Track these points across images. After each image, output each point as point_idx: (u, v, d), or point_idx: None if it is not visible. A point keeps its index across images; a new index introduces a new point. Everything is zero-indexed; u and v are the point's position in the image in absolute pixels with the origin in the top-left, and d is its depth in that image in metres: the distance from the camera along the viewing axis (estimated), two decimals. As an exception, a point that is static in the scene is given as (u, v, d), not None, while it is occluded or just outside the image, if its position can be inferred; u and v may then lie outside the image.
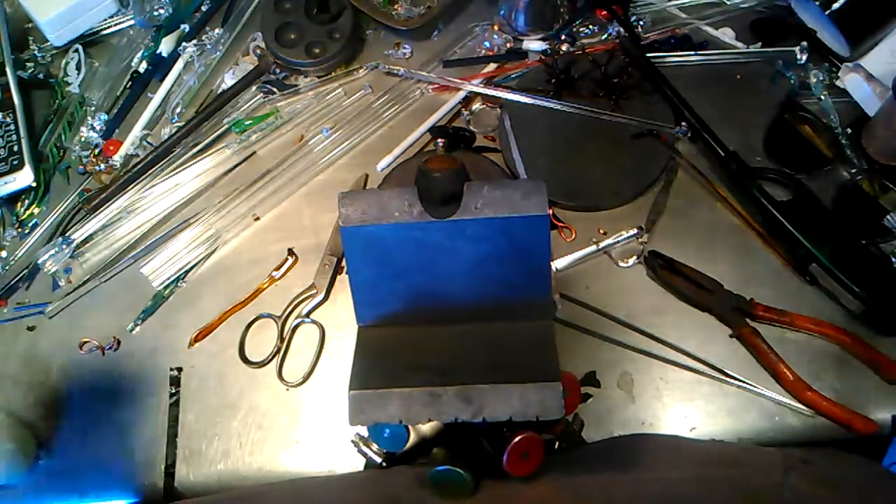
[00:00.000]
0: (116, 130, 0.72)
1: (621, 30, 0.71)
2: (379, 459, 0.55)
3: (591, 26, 0.73)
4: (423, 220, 0.44)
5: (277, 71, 0.73)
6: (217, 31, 0.75)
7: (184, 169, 0.69)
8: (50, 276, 0.65)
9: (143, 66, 0.75)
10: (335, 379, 0.59)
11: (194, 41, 0.74)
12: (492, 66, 0.71)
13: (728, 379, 0.56)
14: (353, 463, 0.56)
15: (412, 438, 0.54)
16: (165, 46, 0.75)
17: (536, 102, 0.67)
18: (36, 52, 0.77)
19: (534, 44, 0.72)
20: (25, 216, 0.69)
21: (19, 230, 0.69)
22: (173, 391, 0.60)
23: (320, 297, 0.62)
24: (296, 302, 0.62)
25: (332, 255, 0.64)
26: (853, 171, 0.64)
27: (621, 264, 0.62)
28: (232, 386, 0.60)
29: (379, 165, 0.67)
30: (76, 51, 0.76)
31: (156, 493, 0.56)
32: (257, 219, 0.67)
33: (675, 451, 0.51)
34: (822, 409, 0.54)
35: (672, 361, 0.58)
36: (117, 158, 0.70)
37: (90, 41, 0.77)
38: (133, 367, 0.61)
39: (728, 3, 0.73)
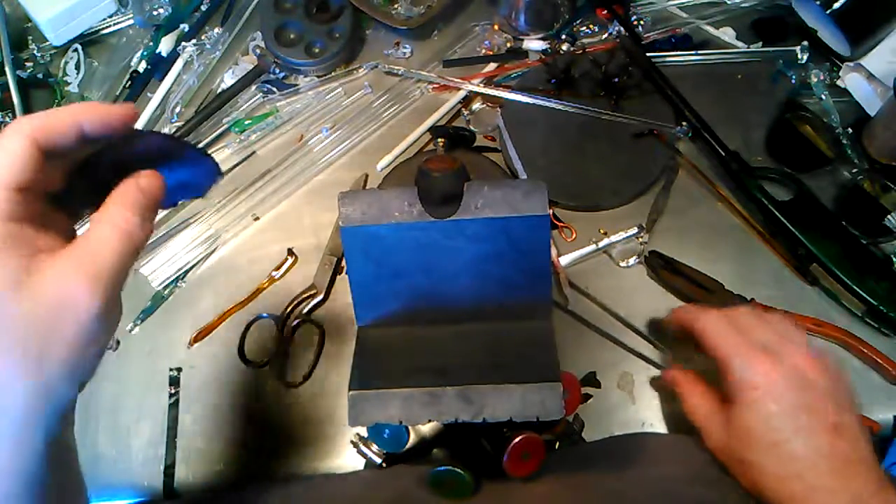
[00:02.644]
0: (116, 130, 0.72)
1: (622, 29, 0.71)
2: (379, 460, 0.55)
3: (591, 26, 0.73)
4: (423, 220, 0.44)
5: (277, 70, 0.73)
6: (216, 30, 0.75)
7: (183, 169, 0.68)
8: (49, 276, 0.65)
9: (142, 66, 0.74)
10: (335, 379, 0.59)
11: (194, 41, 0.74)
12: (492, 66, 0.71)
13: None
14: (353, 463, 0.56)
15: (412, 439, 0.54)
16: (165, 46, 0.75)
17: (536, 102, 0.67)
18: (35, 51, 0.77)
19: (534, 43, 0.72)
20: (25, 216, 0.69)
21: (18, 230, 0.68)
22: (173, 391, 0.59)
23: (320, 297, 0.62)
24: (296, 302, 0.62)
25: (332, 255, 0.64)
26: (854, 170, 0.64)
27: (621, 264, 0.62)
28: (232, 386, 0.60)
29: (379, 165, 0.67)
30: (75, 50, 0.76)
31: (155, 494, 0.56)
32: (257, 218, 0.67)
33: (676, 448, 0.51)
34: (822, 409, 0.54)
35: (669, 365, 0.57)
36: (117, 158, 0.70)
37: (89, 41, 0.77)
38: (132, 368, 0.61)
39: (729, 2, 0.73)
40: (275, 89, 0.72)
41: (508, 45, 0.73)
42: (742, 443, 0.43)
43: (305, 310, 0.61)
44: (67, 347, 0.30)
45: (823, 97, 0.67)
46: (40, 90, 0.75)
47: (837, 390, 0.43)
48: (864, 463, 0.41)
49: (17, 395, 0.30)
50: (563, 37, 0.72)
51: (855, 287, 0.57)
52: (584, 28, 0.73)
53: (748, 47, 0.71)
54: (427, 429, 0.55)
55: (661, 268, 0.60)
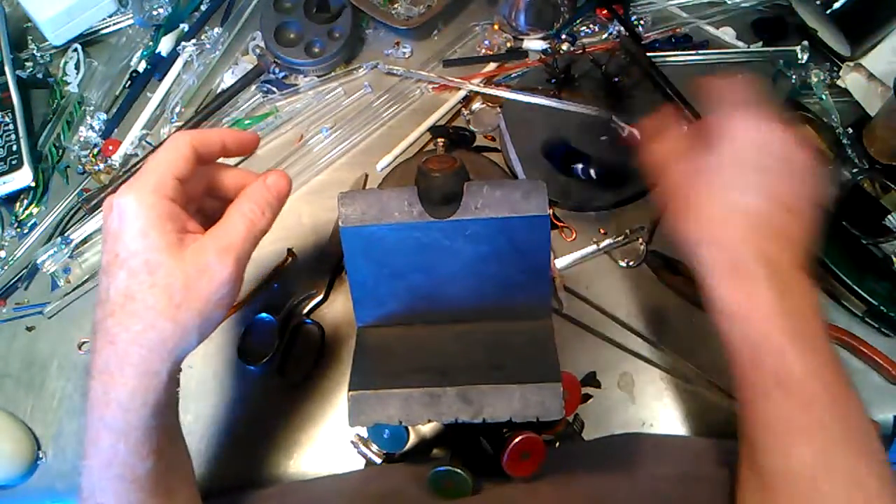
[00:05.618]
0: (115, 130, 0.72)
1: (622, 29, 0.71)
2: (379, 460, 0.55)
3: (591, 25, 0.73)
4: (423, 220, 0.44)
5: (277, 70, 0.73)
6: (216, 30, 0.75)
7: (183, 169, 0.68)
8: (49, 276, 0.65)
9: (142, 66, 0.74)
10: (335, 379, 0.59)
11: (193, 40, 0.74)
12: (492, 66, 0.71)
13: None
14: (352, 464, 0.56)
15: (412, 439, 0.54)
16: (164, 46, 0.75)
17: (536, 102, 0.67)
18: (35, 51, 0.77)
19: (534, 43, 0.72)
20: (24, 216, 0.69)
21: (18, 230, 0.68)
22: (173, 391, 0.59)
23: (320, 297, 0.62)
24: (296, 302, 0.62)
25: (332, 255, 0.64)
26: (854, 170, 0.64)
27: (622, 264, 0.62)
28: (231, 386, 0.60)
29: (379, 165, 0.67)
30: (75, 50, 0.76)
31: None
32: (257, 219, 0.67)
33: (668, 447, 0.51)
34: (822, 409, 0.54)
35: (670, 365, 0.57)
36: (116, 158, 0.70)
37: (89, 40, 0.77)
38: (132, 368, 0.61)
39: (729, 2, 0.72)
40: (275, 89, 0.72)
41: (508, 44, 0.72)
42: (700, 178, 0.42)
43: (305, 310, 0.61)
44: (201, 302, 0.38)
45: (823, 97, 0.67)
46: (40, 90, 0.75)
47: (807, 183, 0.43)
48: (798, 246, 0.41)
49: (158, 329, 0.38)
50: (563, 37, 0.72)
51: (855, 287, 0.57)
52: (584, 28, 0.73)
53: (748, 47, 0.71)
54: (427, 429, 0.55)
55: (662, 268, 0.60)
